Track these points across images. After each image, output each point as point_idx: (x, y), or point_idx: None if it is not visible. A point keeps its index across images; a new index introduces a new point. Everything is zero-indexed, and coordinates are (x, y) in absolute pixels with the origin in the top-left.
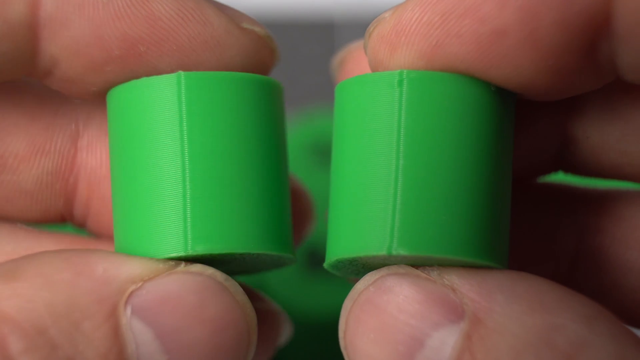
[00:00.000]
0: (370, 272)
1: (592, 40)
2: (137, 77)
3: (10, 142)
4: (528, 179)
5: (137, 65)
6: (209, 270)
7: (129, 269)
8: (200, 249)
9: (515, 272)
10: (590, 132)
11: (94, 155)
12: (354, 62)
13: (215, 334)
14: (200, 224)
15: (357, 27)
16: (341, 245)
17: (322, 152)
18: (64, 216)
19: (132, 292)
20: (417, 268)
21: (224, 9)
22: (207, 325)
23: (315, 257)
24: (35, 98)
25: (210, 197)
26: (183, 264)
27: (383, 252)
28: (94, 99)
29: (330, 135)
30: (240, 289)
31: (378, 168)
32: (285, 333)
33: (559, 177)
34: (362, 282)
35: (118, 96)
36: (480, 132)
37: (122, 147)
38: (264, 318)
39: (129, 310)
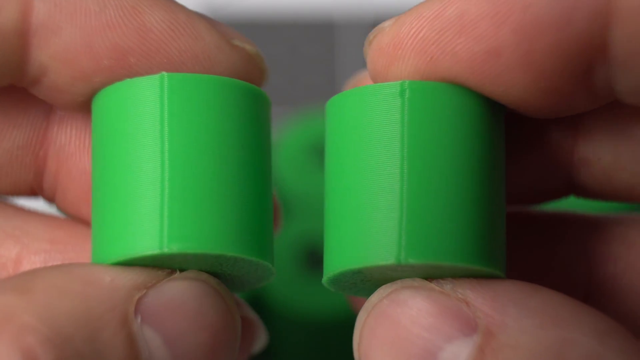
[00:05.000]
0: (384, 285)
1: (588, 65)
2: None
3: None
4: (540, 203)
5: (126, 77)
6: (203, 276)
7: (133, 276)
8: (175, 248)
9: (528, 284)
10: (601, 154)
11: (64, 131)
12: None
13: (214, 338)
14: (177, 223)
15: (357, 27)
16: (345, 257)
17: (322, 152)
18: (34, 189)
19: (139, 299)
20: (430, 281)
21: (216, 25)
22: (207, 330)
23: (315, 257)
24: None
25: (189, 197)
26: (177, 271)
27: (392, 261)
28: (80, 110)
29: None
30: (230, 293)
31: (383, 177)
32: (260, 342)
33: (569, 202)
34: (376, 295)
35: (102, 99)
36: (480, 140)
37: (104, 147)
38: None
39: (139, 317)
